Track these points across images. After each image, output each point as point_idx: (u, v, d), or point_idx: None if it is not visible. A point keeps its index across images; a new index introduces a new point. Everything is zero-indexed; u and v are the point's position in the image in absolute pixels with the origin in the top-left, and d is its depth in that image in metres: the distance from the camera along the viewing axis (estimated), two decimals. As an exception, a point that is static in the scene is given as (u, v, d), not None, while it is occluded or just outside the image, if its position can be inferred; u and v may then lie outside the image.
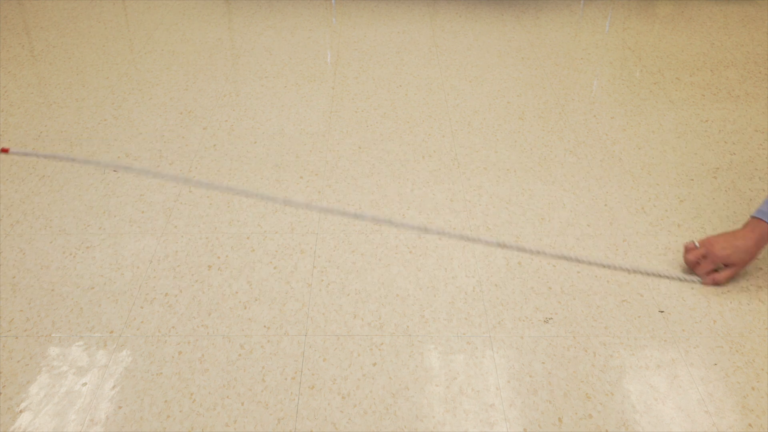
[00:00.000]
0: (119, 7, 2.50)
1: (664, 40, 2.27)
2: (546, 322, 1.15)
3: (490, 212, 1.41)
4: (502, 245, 1.29)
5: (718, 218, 1.40)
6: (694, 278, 1.23)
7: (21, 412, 0.99)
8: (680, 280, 1.24)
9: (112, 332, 1.12)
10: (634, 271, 1.25)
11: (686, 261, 1.25)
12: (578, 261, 1.26)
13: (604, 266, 1.26)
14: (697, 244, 1.25)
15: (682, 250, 1.31)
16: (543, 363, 1.07)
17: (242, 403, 1.00)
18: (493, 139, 1.68)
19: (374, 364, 1.07)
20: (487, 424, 0.98)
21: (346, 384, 1.03)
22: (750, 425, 0.98)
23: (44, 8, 2.47)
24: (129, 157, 1.59)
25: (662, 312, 1.17)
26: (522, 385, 1.04)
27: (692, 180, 1.53)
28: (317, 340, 1.11)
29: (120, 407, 1.00)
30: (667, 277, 1.24)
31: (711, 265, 1.22)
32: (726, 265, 1.22)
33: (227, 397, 1.01)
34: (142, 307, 1.17)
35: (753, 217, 1.21)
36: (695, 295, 1.21)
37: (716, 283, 1.22)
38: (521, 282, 1.23)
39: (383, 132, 1.71)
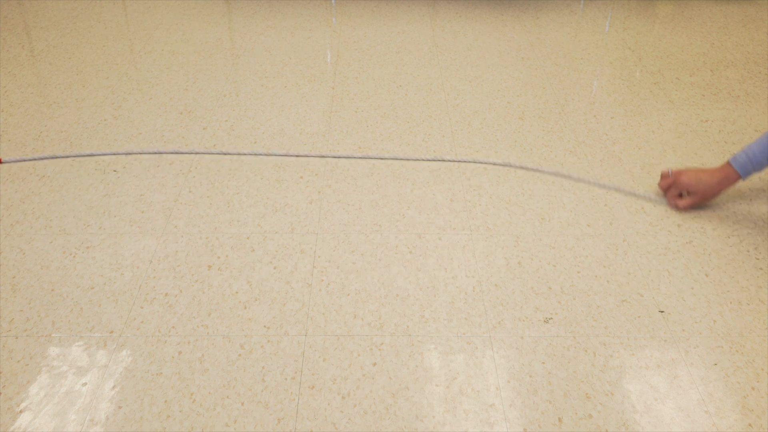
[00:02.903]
0: (119, 7, 2.50)
1: (664, 40, 2.27)
2: (546, 322, 1.15)
3: (490, 212, 1.41)
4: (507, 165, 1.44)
5: (718, 218, 1.40)
6: (663, 200, 1.44)
7: (21, 412, 0.99)
8: (650, 199, 1.43)
9: (112, 332, 1.12)
10: (614, 189, 1.44)
11: (660, 186, 1.45)
12: (569, 177, 1.45)
13: (588, 183, 1.46)
14: (671, 173, 1.43)
15: (682, 250, 1.31)
16: (543, 363, 1.07)
17: (242, 403, 1.00)
18: (493, 139, 1.68)
19: (374, 364, 1.07)
20: (487, 424, 0.98)
21: (346, 384, 1.03)
22: (750, 425, 0.98)
23: (44, 8, 2.47)
24: (129, 157, 1.59)
25: (662, 312, 1.17)
26: (522, 385, 1.04)
27: (692, 180, 1.53)
28: (317, 340, 1.11)
29: (120, 407, 1.00)
30: (641, 197, 1.44)
31: (676, 192, 1.41)
32: (690, 194, 1.40)
33: (227, 397, 1.01)
34: (142, 307, 1.17)
35: (727, 162, 1.37)
36: (695, 295, 1.21)
37: (677, 207, 1.41)
38: (521, 282, 1.23)
39: (383, 132, 1.71)
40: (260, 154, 1.47)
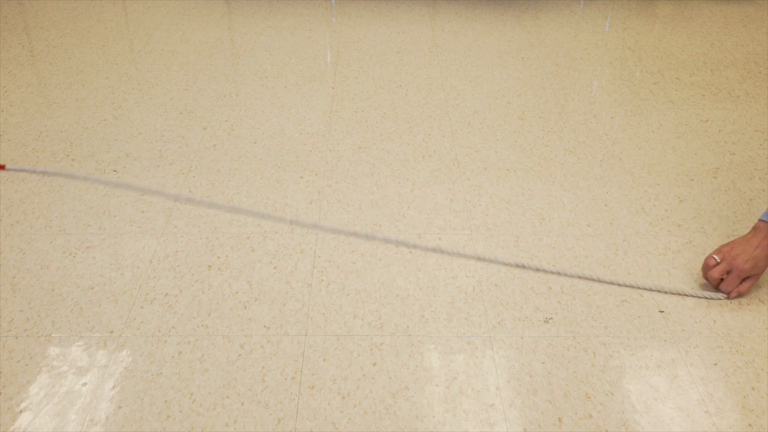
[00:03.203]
0: (119, 7, 2.50)
1: (664, 40, 2.27)
2: (546, 322, 1.15)
3: (490, 212, 1.41)
4: (520, 266, 1.26)
5: (718, 218, 1.40)
6: (720, 295, 1.20)
7: (21, 412, 0.99)
8: (707, 299, 1.20)
9: (112, 332, 1.12)
10: (657, 290, 1.21)
11: (709, 278, 1.21)
12: (599, 281, 1.23)
13: (625, 286, 1.22)
14: (717, 258, 1.20)
15: (682, 250, 1.31)
16: (543, 363, 1.07)
17: (242, 403, 1.00)
18: (493, 139, 1.68)
19: (374, 364, 1.07)
20: (487, 424, 0.98)
21: (346, 384, 1.03)
22: (750, 425, 0.98)
23: (44, 8, 2.47)
24: (129, 157, 1.59)
25: (662, 312, 1.17)
26: (522, 385, 1.04)
27: (692, 180, 1.53)
28: (317, 340, 1.11)
29: (120, 407, 1.00)
30: (693, 296, 1.20)
31: (737, 280, 1.19)
32: (753, 276, 1.20)
33: (227, 397, 1.01)
34: (142, 307, 1.17)
35: (762, 221, 1.20)
36: (695, 295, 1.21)
37: (741, 296, 1.20)
38: (521, 282, 1.23)
39: (383, 132, 1.71)
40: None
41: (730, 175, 1.54)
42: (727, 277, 1.19)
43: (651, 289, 1.21)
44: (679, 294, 1.20)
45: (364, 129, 1.72)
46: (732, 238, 1.34)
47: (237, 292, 1.21)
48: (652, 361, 1.08)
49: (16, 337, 1.11)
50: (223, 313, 1.16)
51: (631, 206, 1.44)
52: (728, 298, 1.20)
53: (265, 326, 1.13)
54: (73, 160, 1.58)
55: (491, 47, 2.20)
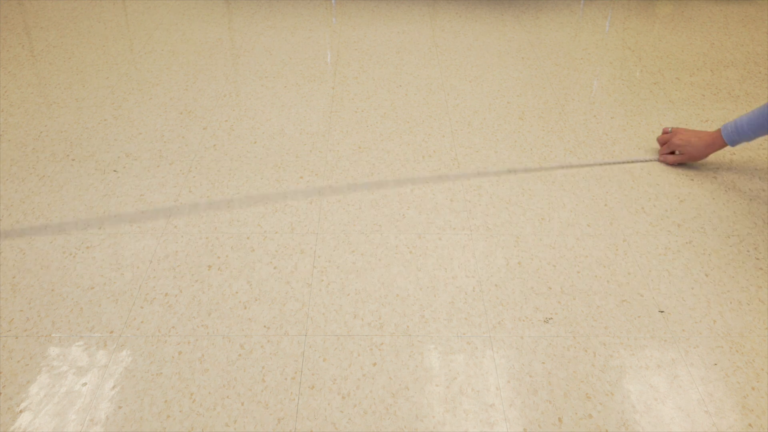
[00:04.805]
0: (119, 7, 2.50)
1: (664, 40, 2.27)
2: (546, 322, 1.15)
3: (490, 212, 1.41)
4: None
5: (718, 218, 1.40)
6: (654, 157, 1.58)
7: (21, 412, 0.99)
8: (638, 161, 1.56)
9: (112, 332, 1.12)
10: (611, 163, 1.54)
11: (657, 140, 1.60)
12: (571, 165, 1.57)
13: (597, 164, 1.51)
14: (670, 129, 1.57)
15: (682, 250, 1.31)
16: (543, 363, 1.07)
17: (242, 403, 1.00)
18: (493, 139, 1.68)
19: (374, 364, 1.07)
20: (487, 424, 0.98)
21: (346, 384, 1.03)
22: (750, 425, 0.98)
23: (44, 8, 2.47)
24: (129, 157, 1.59)
25: (662, 312, 1.17)
26: (522, 385, 1.04)
27: (692, 180, 1.53)
28: (317, 340, 1.11)
29: (120, 407, 1.00)
30: (627, 162, 1.55)
31: (668, 149, 1.55)
32: (680, 153, 1.54)
33: (227, 397, 1.01)
34: (142, 307, 1.17)
35: (719, 128, 1.48)
36: (695, 295, 1.21)
37: (665, 162, 1.56)
38: (521, 282, 1.23)
39: (383, 132, 1.71)
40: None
41: (730, 175, 1.54)
42: (664, 145, 1.56)
43: (606, 163, 1.54)
44: (619, 162, 1.56)
45: (364, 129, 1.72)
46: (732, 238, 1.35)
47: (237, 292, 1.21)
48: (652, 361, 1.08)
49: (16, 337, 1.11)
50: (223, 313, 1.16)
51: (631, 206, 1.44)
52: (658, 160, 1.57)
53: (265, 326, 1.14)
54: (73, 160, 1.58)
55: (491, 47, 2.20)
